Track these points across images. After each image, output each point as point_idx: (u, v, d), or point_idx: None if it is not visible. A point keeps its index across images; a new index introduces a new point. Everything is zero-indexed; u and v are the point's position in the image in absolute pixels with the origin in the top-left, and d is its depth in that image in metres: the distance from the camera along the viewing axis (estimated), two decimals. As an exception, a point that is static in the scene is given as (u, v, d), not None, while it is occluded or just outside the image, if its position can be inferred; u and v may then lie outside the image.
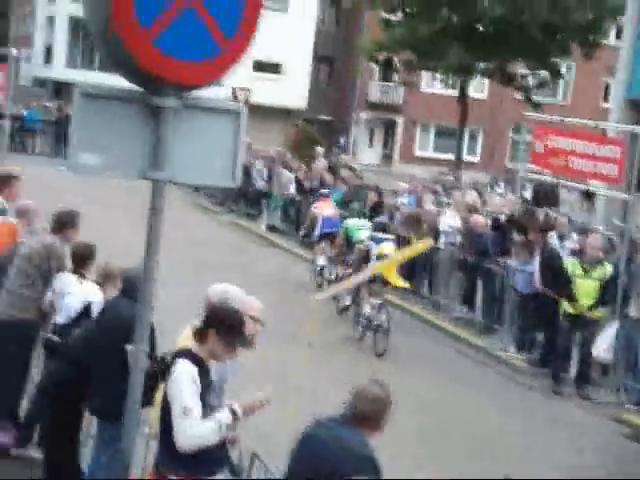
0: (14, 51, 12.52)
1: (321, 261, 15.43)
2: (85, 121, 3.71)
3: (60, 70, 43.57)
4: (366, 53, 29.94)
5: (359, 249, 12.86)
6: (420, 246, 7.29)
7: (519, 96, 30.79)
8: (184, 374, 4.44)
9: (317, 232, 15.47)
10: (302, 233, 17.27)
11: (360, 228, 13.40)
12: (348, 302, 13.29)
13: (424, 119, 47.41)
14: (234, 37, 3.76)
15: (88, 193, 17.90)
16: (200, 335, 4.56)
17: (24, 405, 7.26)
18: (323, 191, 17.52)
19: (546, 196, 13.68)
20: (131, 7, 3.48)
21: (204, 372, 4.52)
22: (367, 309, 12.08)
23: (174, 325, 5.49)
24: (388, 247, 12.09)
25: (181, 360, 4.50)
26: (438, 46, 25.26)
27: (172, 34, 3.62)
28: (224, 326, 4.50)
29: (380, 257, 11.50)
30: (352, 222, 14.01)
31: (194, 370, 4.45)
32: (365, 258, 12.43)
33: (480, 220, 14.04)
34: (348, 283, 7.30)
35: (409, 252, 7.04)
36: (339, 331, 12.43)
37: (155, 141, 3.79)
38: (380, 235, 12.61)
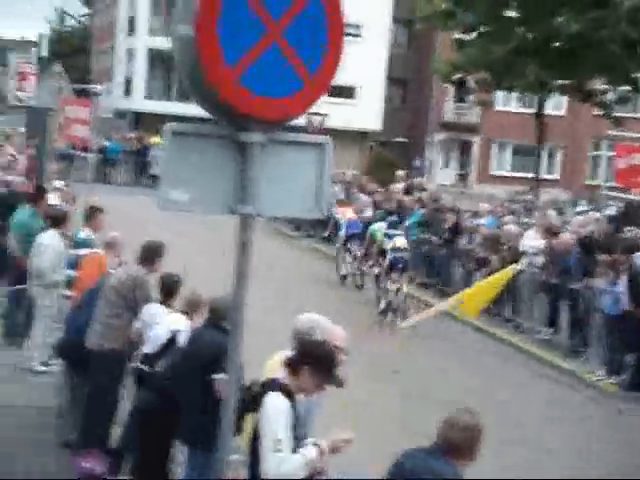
0: (98, 87, 12.91)
1: (343, 270, 17.83)
2: (174, 158, 3.79)
3: (139, 101, 44.64)
4: (440, 74, 29.81)
5: (377, 245, 15.42)
6: (505, 274, 7.16)
7: (598, 112, 30.20)
8: (277, 407, 4.46)
9: (343, 233, 18.04)
10: (326, 234, 20.08)
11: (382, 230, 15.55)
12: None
13: (501, 138, 46.88)
14: (318, 72, 3.79)
15: (170, 223, 18.22)
16: (293, 369, 4.57)
17: (115, 433, 7.40)
18: (340, 197, 20.50)
19: (635, 214, 13.36)
20: (218, 47, 3.56)
21: (294, 405, 4.54)
22: (389, 295, 14.36)
23: (259, 352, 5.53)
24: (400, 241, 14.73)
25: (273, 393, 4.52)
26: (514, 65, 24.99)
27: (257, 71, 3.68)
28: (318, 364, 4.50)
29: (394, 249, 14.48)
30: (377, 226, 15.92)
31: (286, 403, 4.47)
32: (382, 252, 15.10)
33: (566, 240, 13.79)
34: (431, 311, 7.25)
35: (496, 283, 6.90)
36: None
37: (242, 176, 3.85)
38: (393, 231, 15.13)
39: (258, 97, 3.70)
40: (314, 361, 4.51)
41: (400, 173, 23.90)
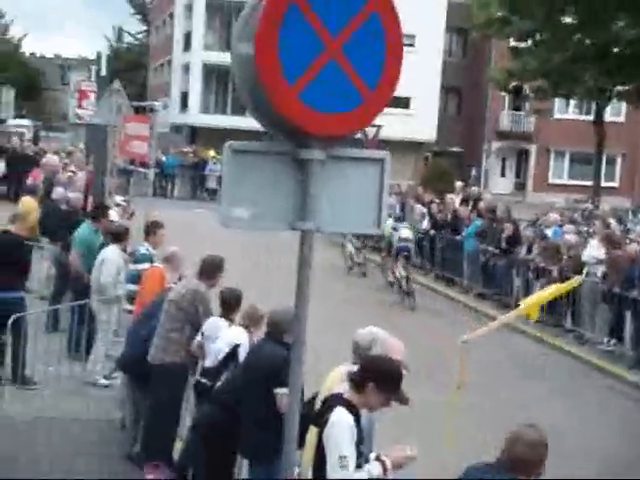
0: (157, 104, 13.10)
1: (350, 247, 19.89)
2: (235, 176, 3.82)
3: (195, 116, 45.21)
4: (496, 82, 29.56)
5: (386, 238, 17.69)
6: (570, 284, 7.06)
7: (659, 117, 29.64)
8: (342, 423, 4.45)
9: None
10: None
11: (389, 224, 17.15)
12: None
13: (558, 146, 46.33)
14: (377, 87, 3.80)
15: (227, 236, 18.36)
16: (358, 385, 4.56)
17: (178, 447, 7.47)
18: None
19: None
20: (278, 65, 3.58)
21: (358, 421, 4.53)
22: (400, 281, 16.72)
23: (317, 365, 5.53)
24: (405, 232, 17.16)
25: (338, 408, 4.51)
26: (572, 72, 24.66)
27: (316, 87, 3.70)
28: (384, 381, 4.49)
29: (401, 240, 16.90)
30: (388, 223, 17.47)
31: (351, 419, 4.46)
32: (390, 243, 17.53)
33: (631, 249, 13.55)
34: (494, 325, 7.17)
35: (557, 291, 6.82)
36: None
37: (302, 192, 3.87)
38: (399, 224, 17.68)
39: (318, 113, 3.71)
40: (379, 378, 4.49)
41: (458, 184, 23.73)
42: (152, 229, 9.78)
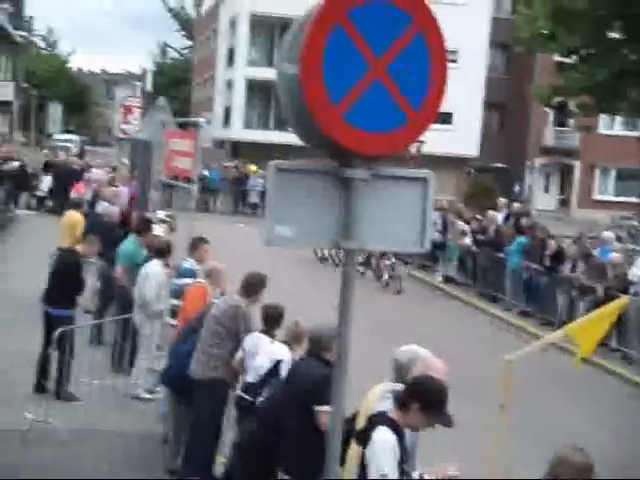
0: (202, 120, 13.22)
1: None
2: (280, 194, 3.84)
3: (237, 131, 45.52)
4: (540, 98, 29.29)
5: None
6: (616, 307, 6.93)
7: None
8: (385, 442, 4.44)
9: None
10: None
11: None
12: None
13: (603, 162, 45.83)
14: (421, 106, 3.80)
15: (268, 251, 18.44)
16: (402, 405, 4.55)
17: (219, 462, 7.49)
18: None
19: None
20: (323, 85, 3.61)
21: (401, 440, 4.51)
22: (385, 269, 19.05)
23: (355, 382, 5.51)
24: None
25: (381, 427, 4.50)
26: (617, 87, 24.36)
27: (360, 107, 3.71)
28: (428, 402, 4.47)
29: None
30: None
31: (394, 438, 4.45)
32: None
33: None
34: (539, 344, 7.09)
35: (606, 317, 6.68)
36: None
37: (346, 211, 3.88)
38: None
39: (362, 133, 3.72)
40: (424, 399, 4.48)
41: (502, 201, 23.55)
42: (197, 244, 9.86)
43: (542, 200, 45.31)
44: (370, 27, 3.60)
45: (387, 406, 4.73)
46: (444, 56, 3.81)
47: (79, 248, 10.03)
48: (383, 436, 4.45)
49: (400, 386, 4.83)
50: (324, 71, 3.58)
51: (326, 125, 3.67)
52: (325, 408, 5.26)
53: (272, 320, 7.14)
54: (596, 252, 16.48)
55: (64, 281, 9.68)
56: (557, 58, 29.66)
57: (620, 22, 24.69)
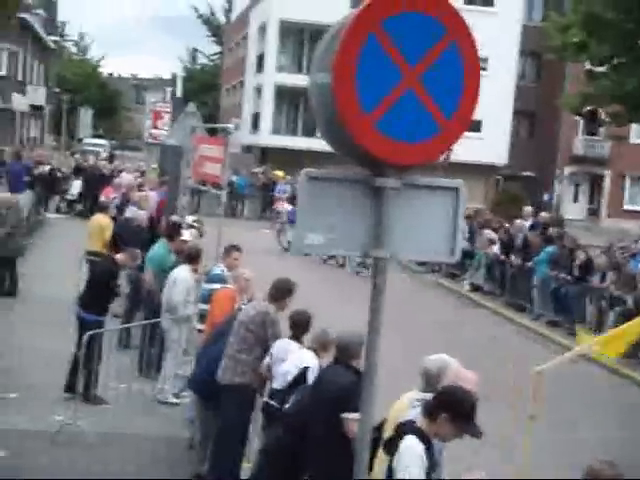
0: (230, 125, 13.27)
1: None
2: (311, 203, 3.84)
3: (265, 136, 45.63)
4: (570, 106, 29.07)
5: None
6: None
7: None
8: (413, 451, 4.43)
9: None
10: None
11: None
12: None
13: (634, 171, 45.42)
14: (454, 116, 3.79)
15: (292, 258, 18.50)
16: (431, 414, 4.54)
17: (245, 467, 7.50)
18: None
19: None
20: (355, 94, 3.61)
21: (429, 449, 4.50)
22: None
23: (382, 389, 5.49)
24: None
25: (410, 436, 4.49)
26: (648, 97, 24.11)
27: (393, 116, 3.71)
28: (458, 413, 4.46)
29: None
30: None
31: (421, 447, 4.44)
32: None
33: None
34: (569, 355, 7.04)
35: (636, 327, 6.64)
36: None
37: (376, 220, 3.87)
38: None
39: (394, 143, 3.72)
40: (453, 409, 4.46)
41: (527, 209, 23.40)
42: (229, 251, 9.91)
43: (571, 209, 44.98)
44: (404, 37, 3.60)
45: (415, 415, 4.72)
46: (477, 65, 3.80)
47: (118, 257, 10.13)
48: (411, 444, 4.45)
49: (429, 395, 4.82)
50: (357, 80, 3.59)
51: (358, 134, 3.67)
52: (353, 415, 5.25)
53: (300, 326, 7.15)
54: (627, 262, 16.34)
55: (98, 287, 9.81)
56: (588, 66, 29.41)
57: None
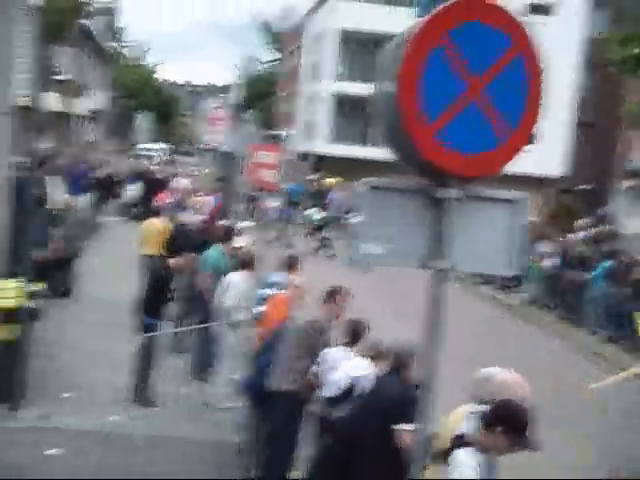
0: (284, 133, 13.31)
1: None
2: (371, 212, 3.84)
3: (321, 144, 45.71)
4: (631, 118, 28.61)
5: (314, 223, 25.72)
6: None
7: None
8: (467, 463, 4.41)
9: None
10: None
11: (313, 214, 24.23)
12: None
13: (694, 186, 44.44)
14: (516, 128, 3.76)
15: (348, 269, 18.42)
16: (487, 427, 4.50)
17: (294, 475, 7.48)
18: None
19: None
20: (419, 104, 3.60)
21: (485, 462, 4.45)
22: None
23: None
24: (319, 214, 25.91)
25: (464, 449, 4.47)
26: None
27: (455, 128, 3.70)
28: (512, 426, 4.42)
29: (319, 220, 25.59)
30: (310, 211, 25.32)
31: (475, 460, 4.41)
32: (318, 227, 25.43)
33: None
34: (624, 374, 6.94)
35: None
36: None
37: (437, 231, 3.86)
38: (317, 211, 25.84)
39: (455, 154, 3.70)
40: (508, 422, 4.43)
41: (580, 222, 23.06)
42: (290, 262, 9.94)
43: (628, 224, 44.21)
44: (470, 48, 3.59)
45: (471, 427, 4.67)
46: (541, 79, 3.77)
47: (172, 262, 10.19)
48: (466, 457, 4.42)
49: (484, 408, 4.77)
50: (421, 90, 3.58)
51: (420, 144, 3.66)
52: (407, 427, 5.22)
53: (354, 335, 7.13)
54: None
55: (153, 291, 9.89)
56: (649, 79, 28.92)
57: None
